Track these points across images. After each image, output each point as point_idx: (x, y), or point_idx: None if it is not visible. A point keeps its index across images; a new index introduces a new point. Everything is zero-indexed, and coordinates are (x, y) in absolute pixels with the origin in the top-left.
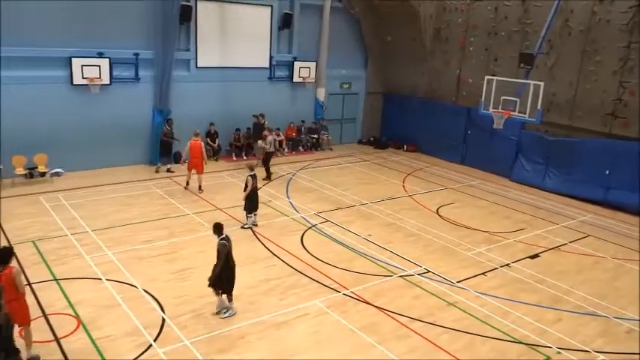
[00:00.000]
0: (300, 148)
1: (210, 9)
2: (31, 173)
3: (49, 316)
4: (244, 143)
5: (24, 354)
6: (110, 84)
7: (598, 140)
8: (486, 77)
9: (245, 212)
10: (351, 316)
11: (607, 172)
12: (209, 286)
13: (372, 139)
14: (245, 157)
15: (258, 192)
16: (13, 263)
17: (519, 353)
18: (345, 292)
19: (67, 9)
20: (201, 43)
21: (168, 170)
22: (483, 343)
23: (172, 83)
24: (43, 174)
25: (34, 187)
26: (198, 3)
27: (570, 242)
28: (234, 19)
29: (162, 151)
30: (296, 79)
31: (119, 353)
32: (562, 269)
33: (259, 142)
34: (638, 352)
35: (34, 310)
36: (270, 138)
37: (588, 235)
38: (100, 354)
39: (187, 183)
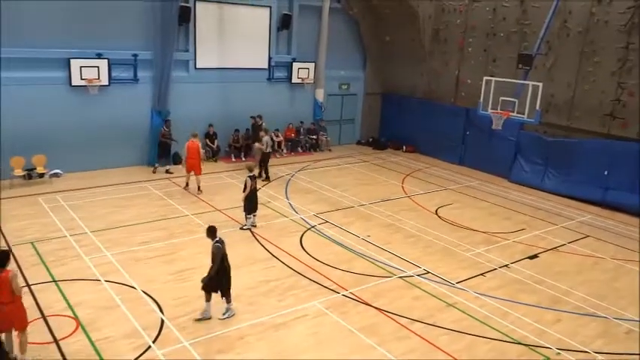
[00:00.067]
0: (299, 149)
1: (209, 10)
2: (30, 174)
3: (47, 318)
4: (243, 144)
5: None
6: (109, 85)
7: (596, 141)
8: (485, 78)
9: (244, 213)
10: (351, 317)
11: (606, 173)
12: (202, 288)
13: (370, 139)
14: (244, 159)
15: (258, 193)
16: (12, 265)
17: (519, 354)
18: (345, 293)
19: (65, 10)
20: (200, 44)
21: (167, 171)
22: (483, 344)
23: (171, 84)
24: (41, 175)
25: (33, 188)
26: (197, 4)
27: (569, 243)
28: (233, 20)
29: (161, 152)
30: (295, 80)
31: (118, 354)
32: (561, 270)
33: (256, 144)
34: (637, 352)
35: (33, 312)
36: (266, 138)
37: (587, 236)
38: (99, 355)
39: (187, 184)
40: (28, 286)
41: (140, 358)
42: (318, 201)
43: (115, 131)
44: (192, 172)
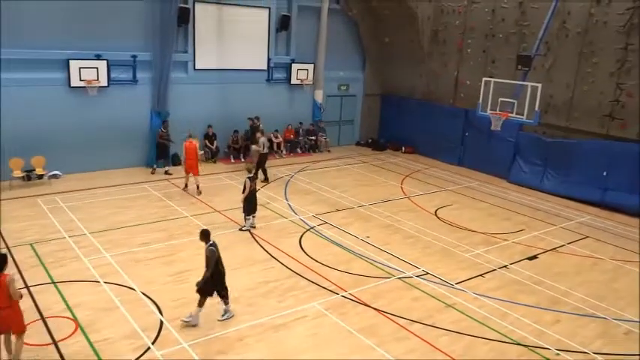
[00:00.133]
0: (298, 150)
1: (208, 11)
2: (29, 176)
3: (46, 319)
4: (242, 145)
5: None
6: (108, 86)
7: (595, 142)
8: (484, 79)
9: (243, 214)
10: (350, 318)
11: (604, 174)
12: (197, 291)
13: (370, 140)
14: (243, 160)
15: (257, 194)
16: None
17: (518, 354)
18: (344, 294)
19: (64, 11)
20: (199, 45)
21: (166, 172)
22: (482, 344)
23: (170, 85)
24: (40, 176)
25: (32, 189)
26: (196, 5)
27: (568, 243)
28: (231, 21)
29: (159, 153)
30: (294, 81)
31: (117, 356)
32: (560, 271)
33: (253, 146)
34: (637, 353)
35: (32, 313)
36: (262, 139)
37: (586, 237)
38: (98, 357)
39: (186, 185)
40: (27, 287)
41: (139, 359)
42: (317, 202)
43: (114, 132)
44: (191, 173)
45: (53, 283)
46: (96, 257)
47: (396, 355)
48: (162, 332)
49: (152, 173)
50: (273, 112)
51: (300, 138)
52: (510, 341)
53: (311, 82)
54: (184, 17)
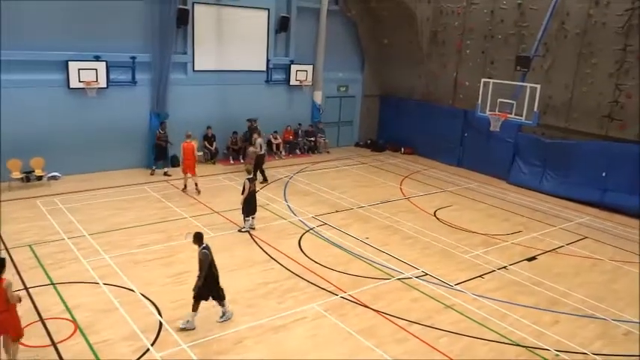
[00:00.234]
0: (298, 151)
1: (207, 12)
2: (28, 177)
3: (46, 321)
4: (241, 146)
5: None
6: (107, 87)
7: (594, 142)
8: (483, 80)
9: (243, 216)
10: (349, 320)
11: (604, 175)
12: (194, 297)
13: (369, 141)
14: (242, 161)
15: (256, 195)
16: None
17: (517, 355)
18: (343, 295)
19: (63, 13)
20: (198, 46)
21: (166, 173)
22: (481, 345)
23: (169, 86)
24: (39, 178)
25: (31, 190)
26: (195, 6)
27: (568, 244)
28: (231, 23)
29: (157, 154)
30: (293, 82)
31: (116, 357)
32: (559, 271)
33: (250, 148)
34: (636, 354)
35: (31, 315)
36: (259, 140)
37: (586, 238)
38: (97, 358)
39: (185, 186)
40: (26, 288)
41: None
42: (316, 203)
43: (114, 134)
44: (189, 174)
45: (52, 284)
46: (95, 259)
47: (395, 356)
48: (161, 333)
49: (151, 174)
50: (272, 113)
51: (300, 139)
52: (510, 342)
53: (310, 83)
54: (183, 18)
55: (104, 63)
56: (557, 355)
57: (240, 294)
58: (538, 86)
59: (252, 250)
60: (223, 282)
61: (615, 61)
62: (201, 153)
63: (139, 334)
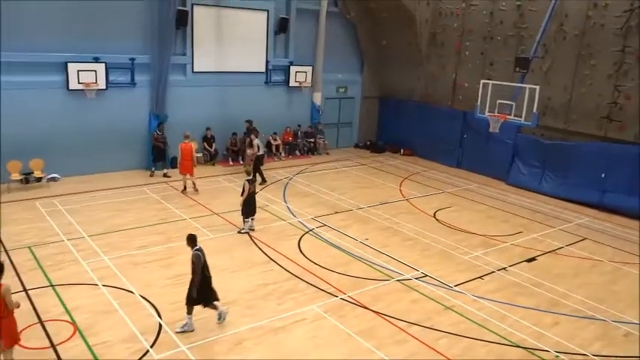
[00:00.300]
0: (297, 152)
1: (207, 14)
2: (27, 178)
3: (45, 323)
4: (241, 148)
5: None
6: (106, 89)
7: (594, 144)
8: (482, 81)
9: (242, 217)
10: (349, 321)
11: (603, 176)
12: (187, 303)
13: (368, 143)
14: (242, 162)
15: (256, 196)
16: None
17: (517, 357)
18: (343, 296)
19: (62, 14)
20: (198, 47)
21: (165, 175)
22: (481, 346)
23: (169, 88)
24: (39, 179)
25: (30, 192)
26: (195, 8)
27: (567, 245)
28: (230, 24)
29: (155, 155)
30: (292, 83)
31: (116, 359)
32: (559, 272)
33: (248, 150)
34: (636, 355)
35: (30, 317)
36: (256, 141)
37: (585, 239)
38: None
39: (184, 187)
40: (26, 290)
41: None
42: (315, 204)
43: (113, 135)
44: (188, 175)
45: (52, 286)
46: (94, 260)
47: (394, 357)
48: (160, 335)
49: (151, 176)
50: (271, 114)
51: (299, 140)
52: (509, 343)
53: (309, 85)
54: (183, 20)
55: (103, 64)
56: (557, 356)
57: (239, 295)
58: (537, 87)
59: (251, 251)
60: (223, 283)
61: (614, 63)
62: (200, 154)
63: (138, 335)
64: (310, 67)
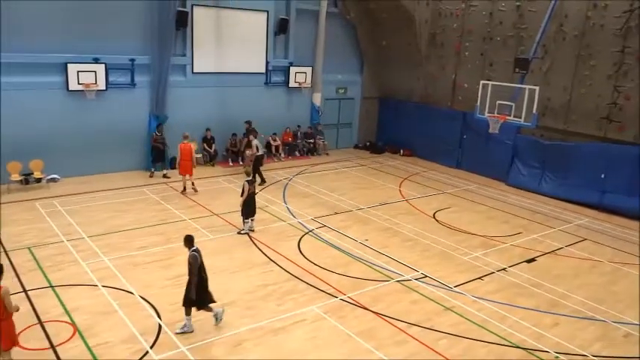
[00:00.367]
0: (297, 153)
1: (206, 15)
2: (27, 179)
3: (44, 324)
4: (240, 148)
5: None
6: (106, 90)
7: (593, 144)
8: (482, 82)
9: (242, 218)
10: (349, 322)
11: (603, 176)
12: (183, 304)
13: (368, 143)
14: (241, 163)
15: (255, 197)
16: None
17: (517, 358)
18: (342, 297)
19: (62, 15)
20: (198, 48)
21: (165, 176)
22: (481, 347)
23: (168, 89)
24: (38, 180)
25: (30, 193)
26: (195, 9)
27: (567, 246)
28: (230, 25)
29: (154, 156)
30: (292, 84)
31: None
32: (559, 273)
33: (247, 151)
34: (636, 356)
35: (29, 317)
36: (254, 142)
37: (585, 239)
38: None
39: (184, 188)
40: (25, 291)
41: None
42: (315, 205)
43: (113, 136)
44: (187, 175)
45: (51, 287)
46: (94, 261)
47: (394, 358)
48: (160, 336)
49: (150, 177)
50: (271, 115)
51: (299, 141)
52: (509, 344)
53: (309, 85)
54: (183, 20)
55: (103, 65)
56: (557, 357)
57: (239, 296)
58: (537, 88)
59: (251, 252)
60: (223, 284)
61: (614, 63)
62: (200, 155)
63: (138, 336)
64: (310, 68)
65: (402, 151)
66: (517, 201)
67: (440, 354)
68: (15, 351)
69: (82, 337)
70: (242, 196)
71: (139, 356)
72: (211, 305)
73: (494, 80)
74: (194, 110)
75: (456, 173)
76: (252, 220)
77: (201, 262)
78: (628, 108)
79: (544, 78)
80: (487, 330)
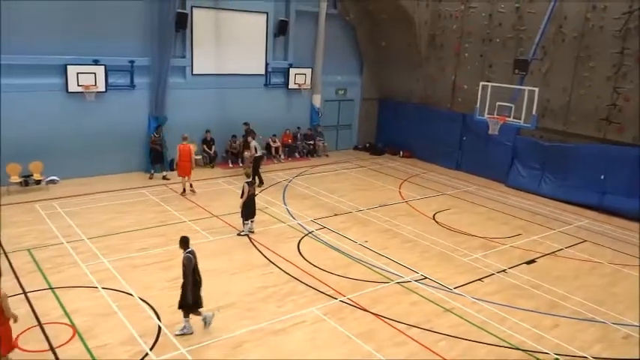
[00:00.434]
0: (296, 154)
1: (206, 16)
2: (27, 181)
3: (44, 325)
4: (240, 150)
5: None
6: (105, 91)
7: (593, 146)
8: (481, 83)
9: (242, 219)
10: (348, 323)
11: (602, 178)
12: (179, 308)
13: (367, 145)
14: (241, 164)
15: (255, 199)
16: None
17: (517, 359)
18: (342, 298)
19: (62, 16)
20: (197, 50)
21: (164, 177)
22: (480, 349)
23: (168, 90)
24: (38, 182)
25: (30, 195)
26: (194, 10)
27: (567, 247)
28: (229, 27)
29: (153, 158)
30: (292, 85)
31: None
32: (559, 275)
33: (246, 152)
34: (636, 357)
35: (29, 319)
36: (253, 143)
37: (585, 241)
38: None
39: (184, 190)
40: (25, 293)
41: None
42: (315, 206)
43: (112, 137)
44: (186, 177)
45: (51, 288)
46: (94, 263)
47: None
48: (160, 338)
49: (150, 178)
50: (271, 116)
51: (298, 142)
52: (509, 346)
53: (309, 87)
54: (182, 22)
55: (103, 67)
56: (557, 358)
57: (239, 298)
58: (536, 89)
59: (251, 253)
60: (222, 286)
61: (613, 65)
62: (199, 157)
63: (137, 338)
64: (310, 69)
65: (401, 152)
66: (517, 202)
67: (439, 355)
68: (15, 353)
69: (82, 339)
70: (242, 197)
71: (139, 358)
72: (200, 310)
73: (494, 82)
74: (194, 112)
75: (456, 175)
76: (251, 221)
77: (195, 265)
78: (627, 109)
79: (543, 79)
80: (487, 331)
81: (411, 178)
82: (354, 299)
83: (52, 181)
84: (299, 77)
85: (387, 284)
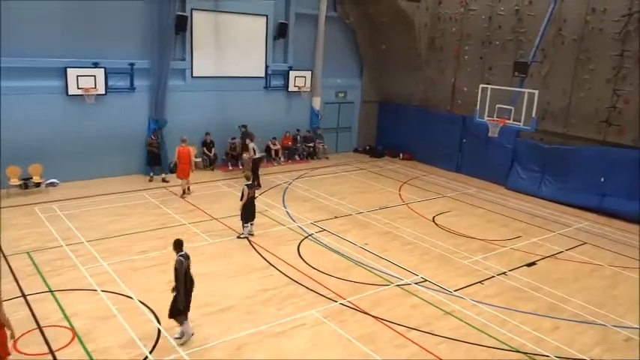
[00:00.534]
0: (296, 157)
1: (206, 19)
2: (26, 184)
3: (44, 329)
4: (240, 152)
5: None
6: (105, 94)
7: (593, 148)
8: (481, 86)
9: (241, 222)
10: (348, 326)
11: (602, 180)
12: (170, 317)
13: (367, 147)
14: (241, 167)
15: (255, 201)
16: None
17: None
18: (342, 301)
19: (62, 18)
20: (197, 52)
21: (164, 180)
22: (480, 351)
23: (168, 93)
24: (38, 184)
25: (29, 197)
26: (194, 13)
27: (567, 250)
28: (229, 29)
29: (150, 161)
30: (291, 88)
31: None
32: (559, 277)
33: (244, 154)
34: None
35: (28, 322)
36: (251, 145)
37: (585, 243)
38: None
39: (183, 192)
40: (24, 296)
41: None
42: (315, 209)
43: (112, 140)
44: (185, 179)
45: (50, 291)
46: (93, 266)
47: None
48: (159, 341)
49: (150, 181)
50: (270, 119)
51: (298, 145)
52: (509, 348)
53: (308, 90)
54: (182, 25)
55: (102, 69)
56: None
57: (239, 301)
58: (536, 92)
59: (250, 256)
60: (222, 289)
61: (613, 67)
62: (199, 159)
63: (137, 341)
64: (309, 72)
65: (401, 155)
66: (517, 205)
67: (440, 358)
68: (14, 356)
69: (81, 342)
70: (242, 200)
71: None
72: (186, 320)
73: (494, 84)
74: (193, 114)
75: (456, 177)
76: (251, 224)
77: (187, 269)
78: (627, 111)
79: (543, 82)
80: (487, 334)
81: (411, 181)
82: (354, 302)
83: (52, 184)
84: (299, 80)
85: (387, 287)
